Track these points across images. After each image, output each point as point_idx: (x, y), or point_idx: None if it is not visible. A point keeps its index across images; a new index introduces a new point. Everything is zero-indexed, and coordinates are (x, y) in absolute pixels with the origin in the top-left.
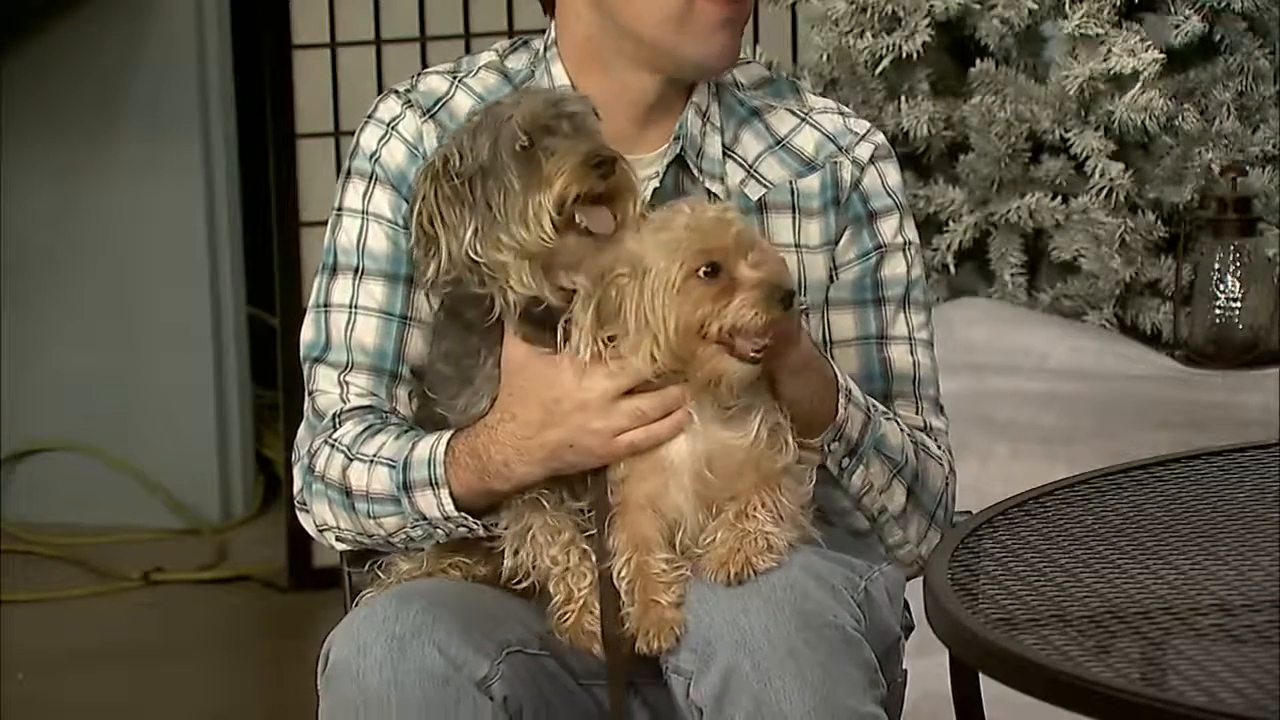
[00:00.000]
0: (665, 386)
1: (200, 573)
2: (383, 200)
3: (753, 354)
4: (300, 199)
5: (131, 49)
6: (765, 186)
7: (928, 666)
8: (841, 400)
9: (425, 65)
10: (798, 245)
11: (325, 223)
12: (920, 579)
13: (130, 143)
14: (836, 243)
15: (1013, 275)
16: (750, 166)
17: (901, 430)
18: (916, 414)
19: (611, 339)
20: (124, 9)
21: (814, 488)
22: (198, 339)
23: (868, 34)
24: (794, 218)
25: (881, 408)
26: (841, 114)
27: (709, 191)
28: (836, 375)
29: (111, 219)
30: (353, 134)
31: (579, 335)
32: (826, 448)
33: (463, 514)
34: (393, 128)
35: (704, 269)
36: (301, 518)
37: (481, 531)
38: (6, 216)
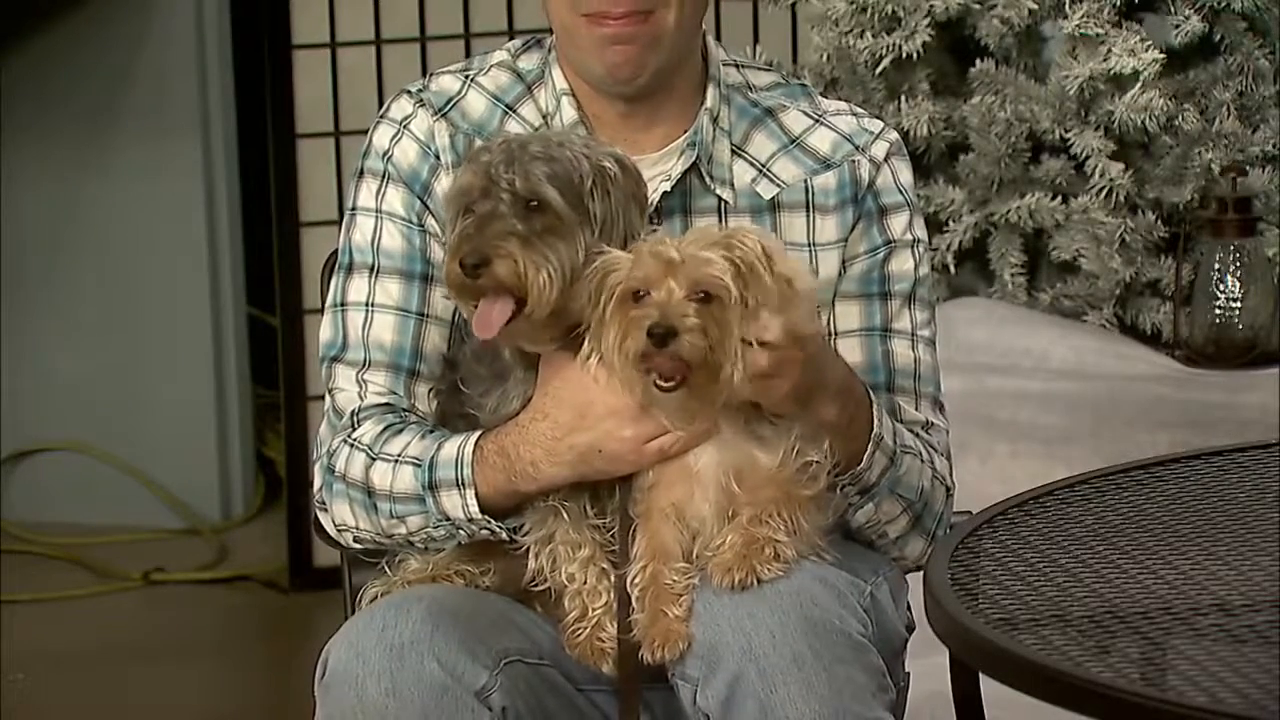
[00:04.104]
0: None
1: (200, 573)
2: (395, 198)
3: (658, 382)
4: (300, 199)
5: (131, 49)
6: (778, 186)
7: (928, 666)
8: (870, 448)
9: (425, 65)
10: (811, 244)
11: (325, 223)
12: (920, 578)
13: (130, 143)
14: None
15: (1013, 275)
16: (763, 166)
17: (921, 462)
18: (916, 410)
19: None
20: (124, 9)
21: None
22: (198, 339)
23: (868, 34)
24: (808, 215)
25: (908, 441)
26: (855, 114)
27: (718, 197)
28: (873, 422)
29: (111, 219)
30: (353, 134)
31: (588, 345)
32: (840, 489)
33: (486, 517)
34: (405, 126)
35: (636, 291)
36: (320, 517)
37: (504, 535)
38: (6, 216)
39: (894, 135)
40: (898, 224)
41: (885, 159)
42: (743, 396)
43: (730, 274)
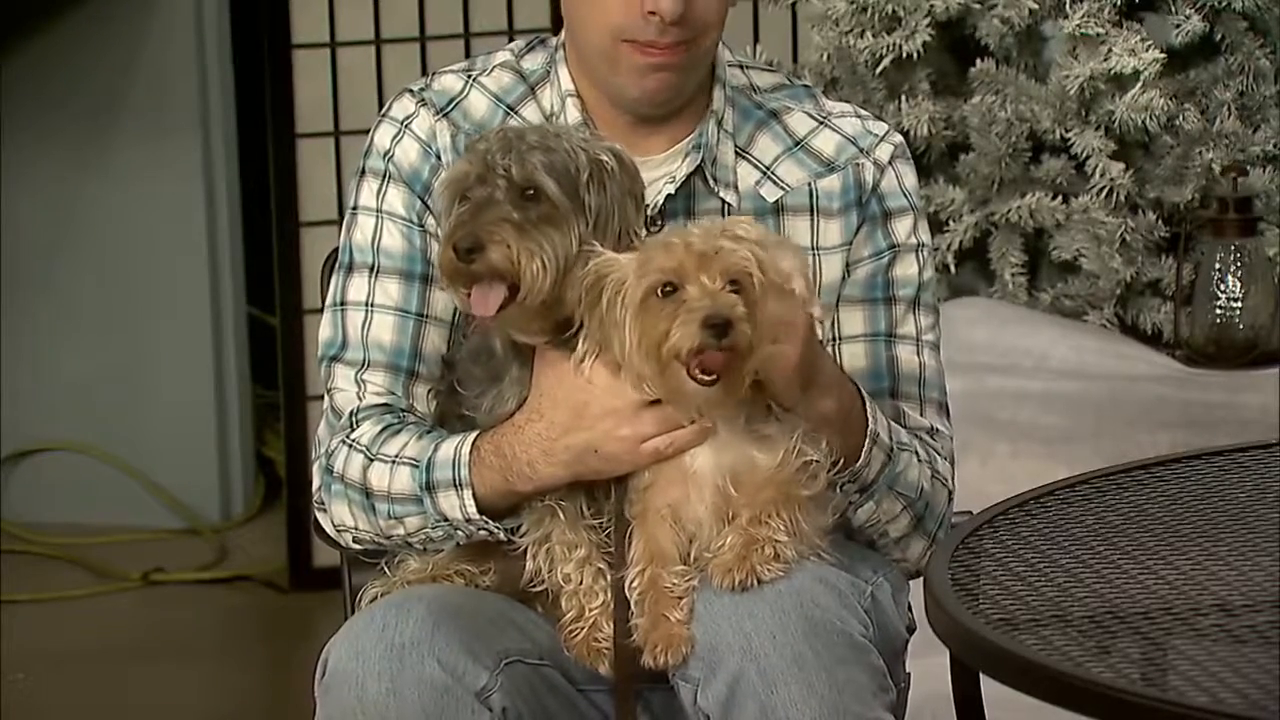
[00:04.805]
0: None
1: (200, 573)
2: (396, 198)
3: (700, 376)
4: (300, 199)
5: (131, 49)
6: (783, 189)
7: (928, 667)
8: (867, 444)
9: (425, 65)
10: (816, 248)
11: (325, 222)
12: (920, 579)
13: (130, 143)
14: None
15: (1013, 275)
16: (767, 168)
17: (920, 460)
18: (921, 415)
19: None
20: (124, 9)
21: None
22: (198, 339)
23: (868, 34)
24: (813, 219)
25: (904, 439)
26: (859, 116)
27: (722, 200)
28: (868, 419)
29: (111, 219)
30: (353, 134)
31: (584, 347)
32: (839, 488)
33: (484, 518)
34: (406, 126)
35: (663, 287)
36: (319, 517)
37: (502, 536)
38: (6, 216)
39: (898, 138)
40: (902, 228)
41: (889, 162)
42: (758, 365)
43: (754, 263)
